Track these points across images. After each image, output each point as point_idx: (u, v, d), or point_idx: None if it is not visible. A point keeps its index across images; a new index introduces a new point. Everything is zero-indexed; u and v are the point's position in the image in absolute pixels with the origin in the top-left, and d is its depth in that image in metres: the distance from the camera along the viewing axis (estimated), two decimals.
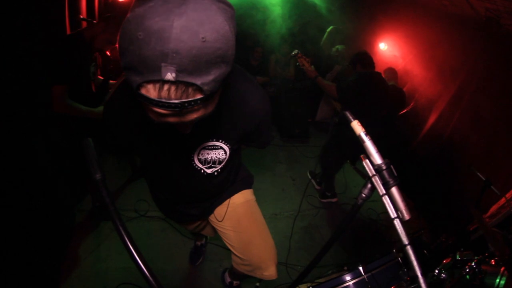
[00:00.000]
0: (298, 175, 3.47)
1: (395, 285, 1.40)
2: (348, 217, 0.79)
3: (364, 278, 1.35)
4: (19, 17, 1.64)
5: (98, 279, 2.04)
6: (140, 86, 0.53)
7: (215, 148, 1.04)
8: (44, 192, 1.99)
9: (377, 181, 0.73)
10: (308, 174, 3.44)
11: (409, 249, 0.68)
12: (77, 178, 2.41)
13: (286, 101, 4.22)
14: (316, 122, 4.64)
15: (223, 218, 1.37)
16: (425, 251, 1.87)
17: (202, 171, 1.11)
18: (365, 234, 2.86)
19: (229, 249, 1.51)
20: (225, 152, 1.07)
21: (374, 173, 0.74)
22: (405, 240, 0.69)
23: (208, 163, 1.10)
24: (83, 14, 2.31)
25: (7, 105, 1.64)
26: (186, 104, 0.55)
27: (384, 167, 0.71)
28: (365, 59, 2.67)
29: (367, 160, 0.75)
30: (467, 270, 1.21)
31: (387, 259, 1.50)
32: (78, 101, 1.83)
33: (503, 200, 2.13)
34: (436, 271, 1.31)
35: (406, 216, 0.68)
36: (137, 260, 0.60)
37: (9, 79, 1.64)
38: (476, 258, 1.29)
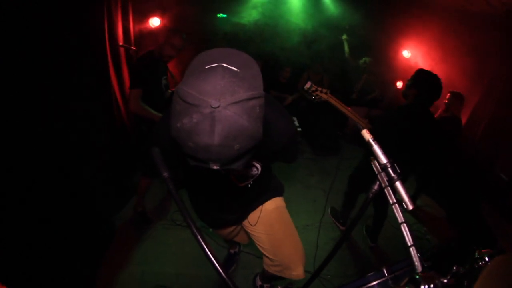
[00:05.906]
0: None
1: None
2: (360, 212, 0.87)
3: (388, 279, 1.36)
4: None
5: (133, 282, 2.16)
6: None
7: (248, 166, 1.18)
8: (84, 201, 2.20)
9: (382, 177, 0.82)
10: (329, 213, 3.08)
11: (411, 250, 0.74)
12: (118, 189, 2.66)
13: (317, 115, 4.33)
14: (345, 134, 4.68)
15: (256, 222, 1.49)
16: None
17: (237, 184, 1.26)
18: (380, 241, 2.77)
19: (262, 258, 1.62)
20: (257, 169, 1.22)
21: (380, 170, 0.83)
22: (409, 242, 0.75)
23: (242, 178, 1.24)
24: (121, 41, 2.66)
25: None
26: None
27: (389, 166, 0.80)
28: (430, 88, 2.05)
29: (375, 161, 0.84)
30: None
31: (407, 263, 1.49)
32: (149, 105, 2.23)
33: None
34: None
35: (410, 206, 0.75)
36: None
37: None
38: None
